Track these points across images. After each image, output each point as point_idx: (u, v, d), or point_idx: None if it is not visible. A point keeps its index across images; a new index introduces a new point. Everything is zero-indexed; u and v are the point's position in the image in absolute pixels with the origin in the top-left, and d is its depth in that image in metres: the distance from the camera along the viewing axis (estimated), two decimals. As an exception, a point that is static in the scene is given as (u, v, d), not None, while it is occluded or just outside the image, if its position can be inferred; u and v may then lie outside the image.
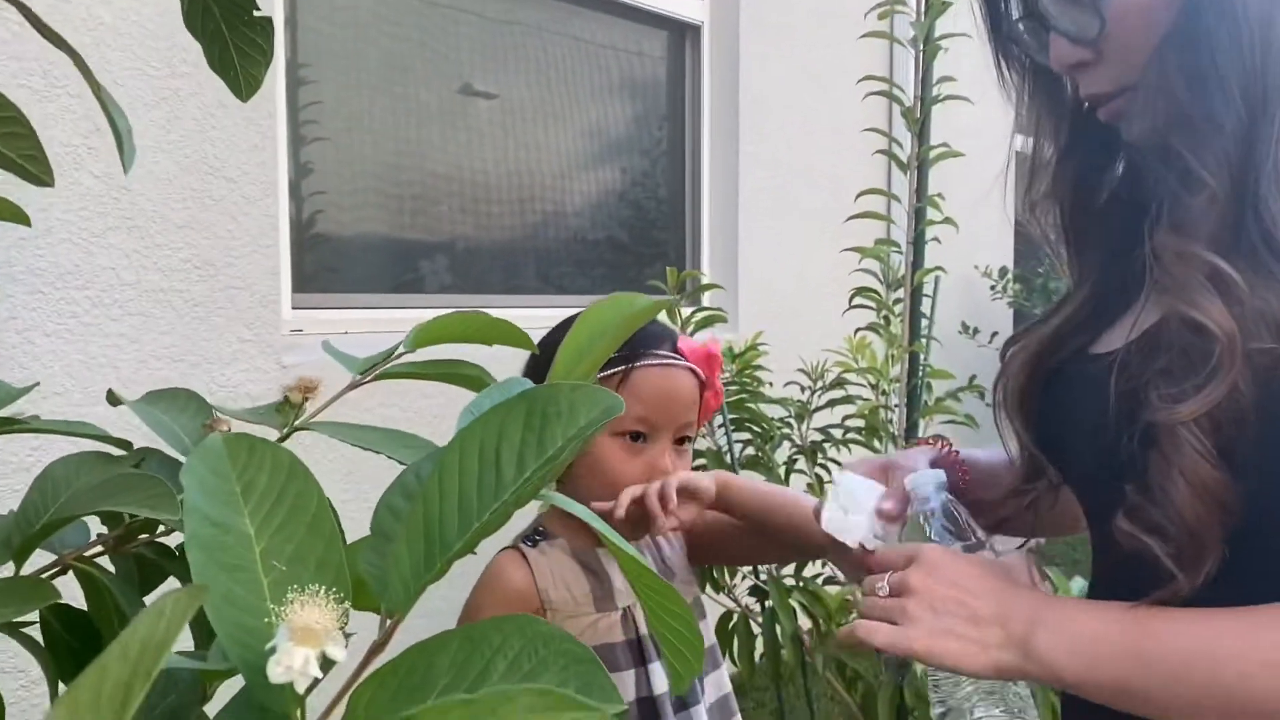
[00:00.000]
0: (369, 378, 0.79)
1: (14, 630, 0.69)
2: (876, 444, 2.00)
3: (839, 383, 2.28)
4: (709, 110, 2.95)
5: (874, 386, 2.26)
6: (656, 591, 0.44)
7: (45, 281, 1.47)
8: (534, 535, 1.05)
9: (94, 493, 0.66)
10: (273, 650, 0.40)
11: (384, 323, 2.07)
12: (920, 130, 1.79)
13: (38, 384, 1.10)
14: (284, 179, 1.90)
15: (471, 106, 2.49)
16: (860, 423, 2.17)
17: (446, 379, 0.80)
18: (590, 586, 1.01)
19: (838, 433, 2.23)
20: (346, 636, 0.42)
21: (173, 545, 0.78)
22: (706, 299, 2.68)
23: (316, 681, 0.41)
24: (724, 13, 2.95)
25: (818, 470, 2.26)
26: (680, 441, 1.05)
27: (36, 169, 0.45)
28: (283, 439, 0.75)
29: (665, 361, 1.04)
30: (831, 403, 2.26)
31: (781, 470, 2.15)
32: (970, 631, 0.71)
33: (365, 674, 0.43)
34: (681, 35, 2.95)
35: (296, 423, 0.76)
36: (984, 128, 2.22)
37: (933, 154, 1.80)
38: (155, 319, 1.62)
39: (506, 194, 2.55)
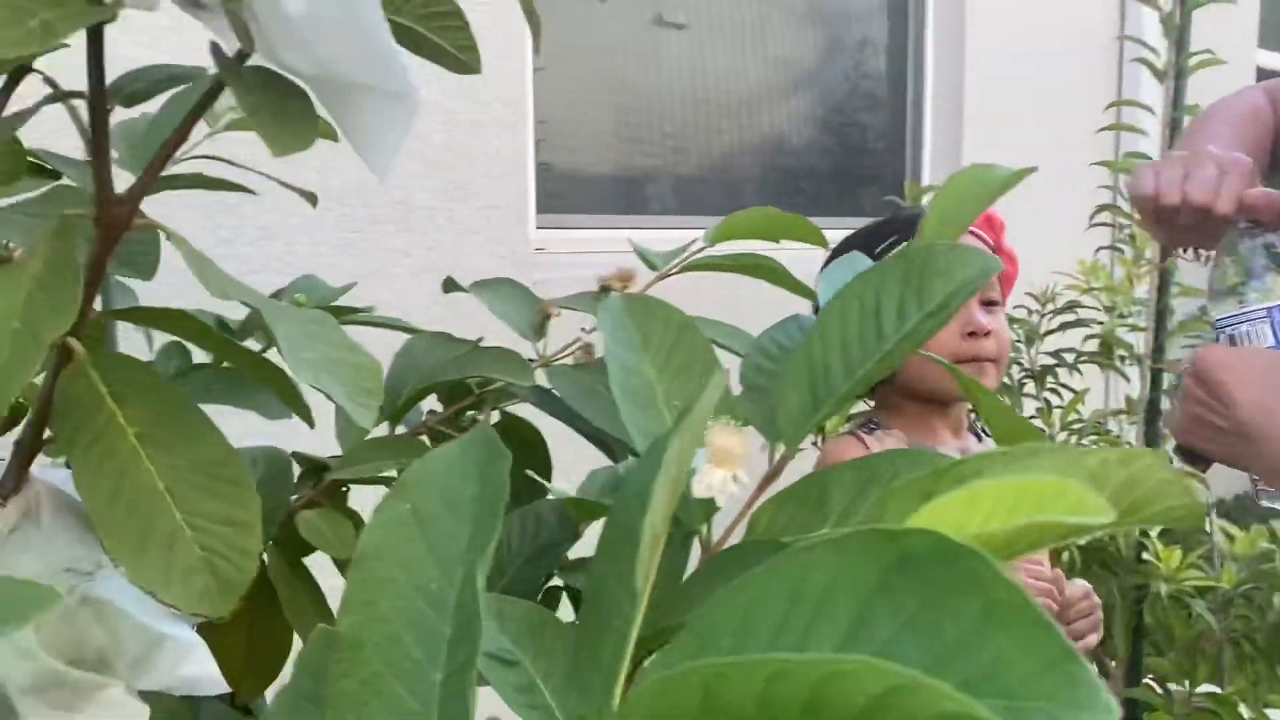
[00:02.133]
0: (675, 270, 0.85)
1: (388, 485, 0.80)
2: (1117, 365, 1.94)
3: (1071, 305, 2.22)
4: (933, 28, 2.88)
5: (1110, 309, 2.19)
6: (1012, 430, 0.47)
7: (331, 198, 1.61)
8: (869, 424, 1.08)
9: (456, 363, 0.75)
10: (693, 471, 0.46)
11: (615, 242, 2.16)
12: (1179, 37, 1.70)
13: (355, 283, 1.22)
14: (531, 103, 2.00)
15: (664, 36, 2.51)
16: (1095, 346, 2.11)
17: (747, 271, 0.85)
18: None
19: (1070, 356, 2.18)
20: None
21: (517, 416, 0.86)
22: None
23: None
24: (948, -76, 2.85)
25: (1046, 394, 2.22)
26: (987, 305, 1.06)
27: (469, 58, 0.52)
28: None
29: None
30: (1063, 325, 2.20)
31: (1008, 394, 2.13)
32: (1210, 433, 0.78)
33: (759, 501, 0.48)
34: (903, -50, 2.88)
35: (613, 310, 0.83)
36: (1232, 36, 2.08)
37: (1192, 61, 1.71)
38: (424, 235, 1.75)
39: (723, 118, 2.58)
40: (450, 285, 0.89)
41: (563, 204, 2.18)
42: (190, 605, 0.49)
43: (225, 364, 0.99)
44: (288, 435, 0.80)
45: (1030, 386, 2.19)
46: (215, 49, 0.48)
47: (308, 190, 1.16)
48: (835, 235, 2.20)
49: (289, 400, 0.62)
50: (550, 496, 0.69)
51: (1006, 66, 2.93)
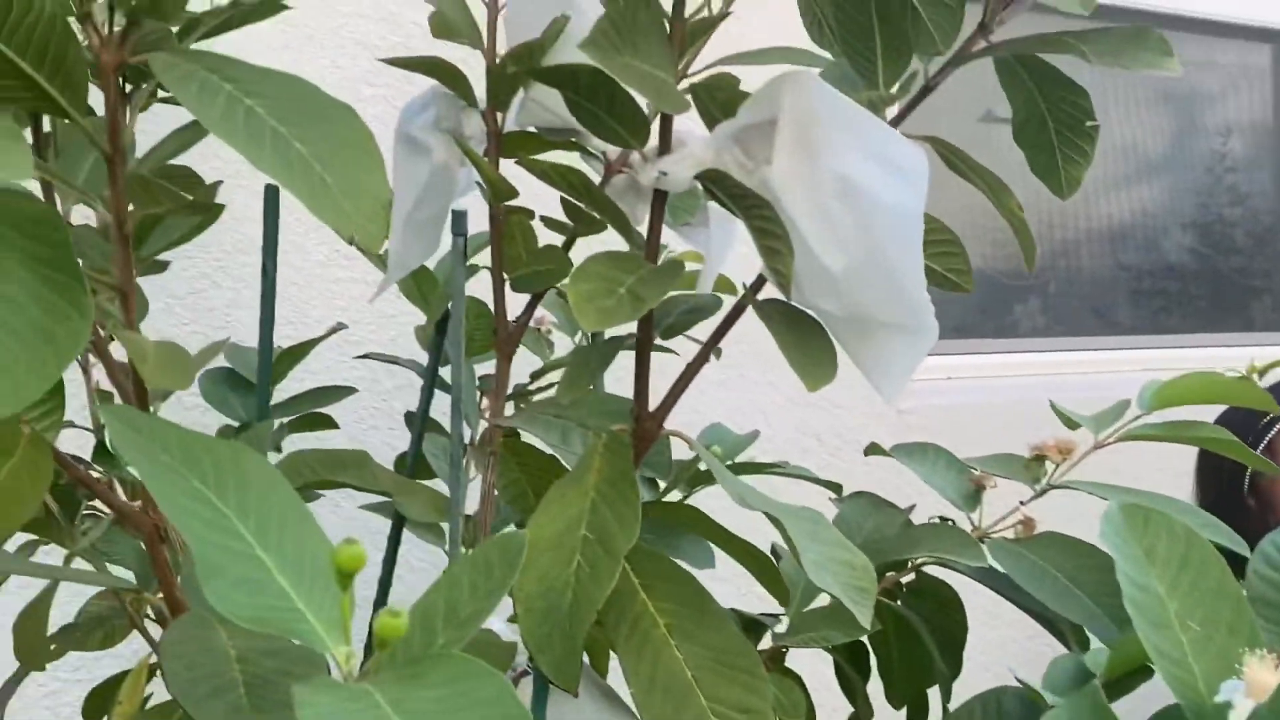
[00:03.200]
0: (1111, 439, 0.84)
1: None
2: None
3: None
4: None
5: None
6: None
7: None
8: None
9: (900, 540, 0.77)
10: (1228, 705, 0.45)
11: (984, 368, 2.12)
12: None
13: (758, 432, 1.28)
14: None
15: (996, 132, 2.45)
16: None
17: (1189, 442, 0.82)
18: None
19: None
20: None
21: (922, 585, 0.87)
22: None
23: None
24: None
25: None
26: None
27: (961, 280, 0.55)
28: (1037, 496, 0.82)
29: None
30: None
31: None
32: None
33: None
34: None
35: (1047, 480, 0.82)
36: None
37: None
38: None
39: (1073, 220, 2.47)
40: (873, 449, 0.93)
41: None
42: (713, 788, 0.53)
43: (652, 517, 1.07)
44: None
45: None
46: (746, 287, 0.54)
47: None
48: (1220, 354, 2.04)
49: (769, 581, 0.67)
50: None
51: None
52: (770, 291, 0.57)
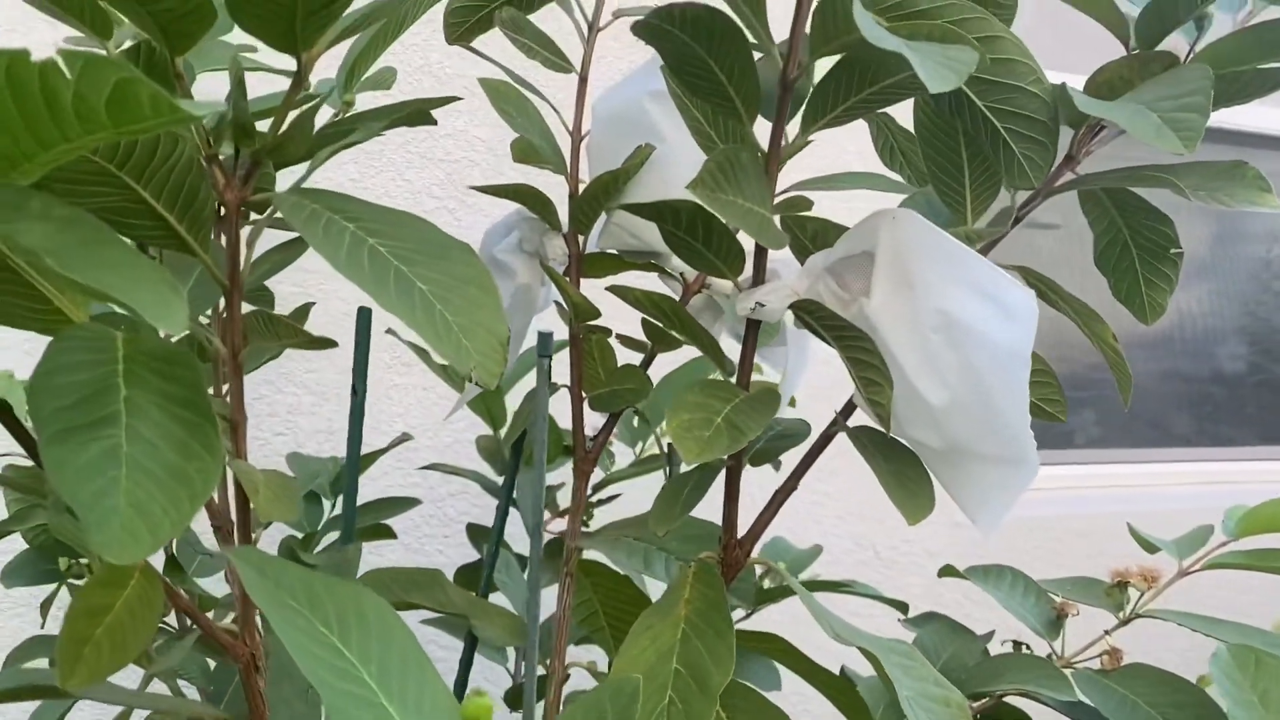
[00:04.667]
0: (1196, 566, 0.81)
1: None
2: None
3: None
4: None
5: None
6: None
7: (766, 447, 1.71)
8: None
9: (985, 671, 0.75)
10: None
11: (1040, 480, 2.08)
12: None
13: (821, 547, 1.26)
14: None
15: (1037, 238, 2.44)
16: None
17: (1277, 572, 0.80)
18: None
19: None
20: None
21: None
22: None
23: None
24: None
25: None
26: None
27: (1055, 409, 0.55)
28: (1121, 625, 0.80)
29: None
30: None
31: None
32: None
33: None
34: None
35: (1132, 608, 0.80)
36: None
37: None
38: (850, 477, 1.79)
39: (1117, 328, 2.45)
40: (947, 571, 0.91)
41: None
42: None
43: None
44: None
45: None
46: (835, 417, 0.54)
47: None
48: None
49: (853, 714, 0.65)
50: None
51: None
52: (859, 418, 0.56)
